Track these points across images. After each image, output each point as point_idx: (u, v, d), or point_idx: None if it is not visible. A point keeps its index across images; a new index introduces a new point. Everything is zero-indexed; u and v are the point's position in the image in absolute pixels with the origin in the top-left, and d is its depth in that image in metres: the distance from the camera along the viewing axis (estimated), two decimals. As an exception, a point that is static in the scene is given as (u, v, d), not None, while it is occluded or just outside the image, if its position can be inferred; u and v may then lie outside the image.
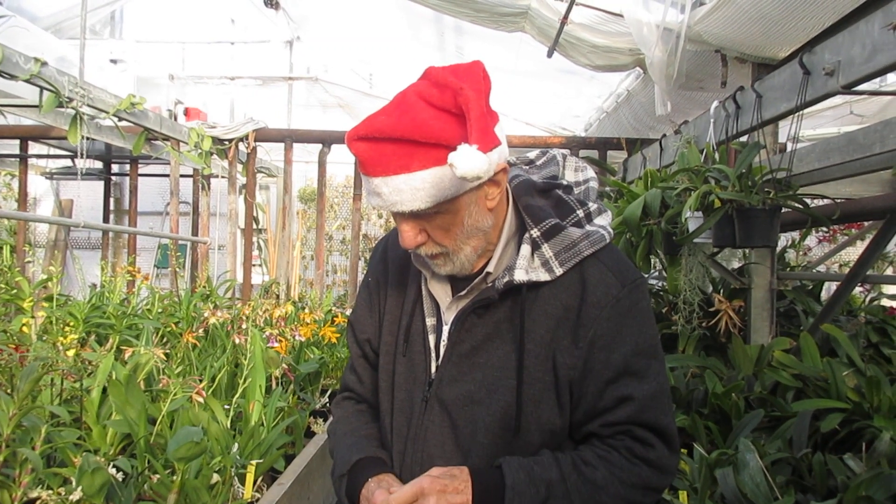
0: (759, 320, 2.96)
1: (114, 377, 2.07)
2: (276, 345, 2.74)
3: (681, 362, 2.83)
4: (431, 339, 1.24)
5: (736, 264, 3.56)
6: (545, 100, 6.47)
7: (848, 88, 2.05)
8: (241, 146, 5.70)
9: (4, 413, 1.50)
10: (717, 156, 2.78)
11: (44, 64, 3.35)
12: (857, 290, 4.33)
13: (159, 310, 3.73)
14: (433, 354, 1.23)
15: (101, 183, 7.38)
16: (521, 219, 1.21)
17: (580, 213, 1.22)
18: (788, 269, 4.38)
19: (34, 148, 6.34)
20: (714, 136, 2.93)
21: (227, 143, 5.61)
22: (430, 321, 1.24)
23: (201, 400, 2.09)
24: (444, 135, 1.03)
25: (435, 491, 1.07)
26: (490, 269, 1.19)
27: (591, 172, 1.34)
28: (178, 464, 1.64)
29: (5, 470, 1.57)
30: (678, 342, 3.00)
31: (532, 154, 1.34)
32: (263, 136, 5.68)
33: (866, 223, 4.62)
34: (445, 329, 1.22)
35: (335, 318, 4.20)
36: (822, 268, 5.42)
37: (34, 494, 1.60)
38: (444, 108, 1.04)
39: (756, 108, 2.57)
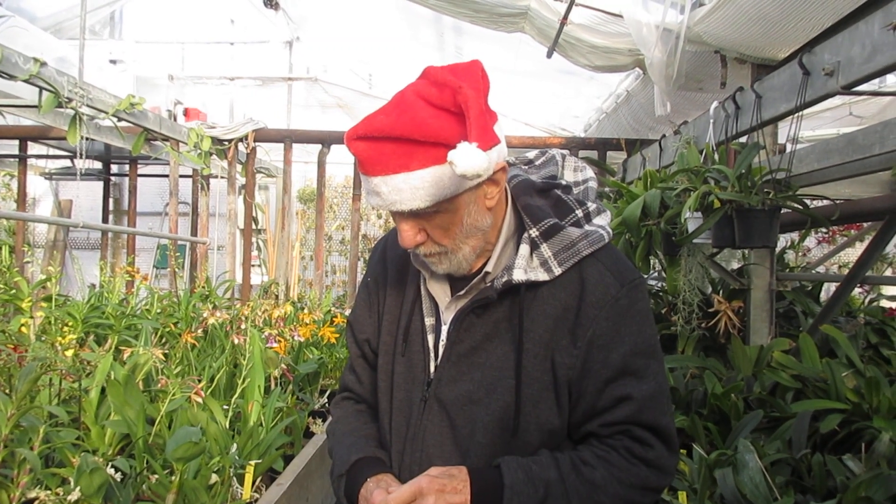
0: (758, 321, 2.96)
1: (112, 377, 2.06)
2: (274, 345, 2.74)
3: (680, 363, 2.83)
4: (430, 338, 1.24)
5: (735, 265, 3.56)
6: (544, 100, 6.47)
7: (847, 89, 2.05)
8: (241, 146, 5.70)
9: (3, 413, 1.50)
10: (716, 156, 2.78)
11: (43, 64, 3.35)
12: (857, 291, 4.33)
13: (158, 310, 3.73)
14: (432, 354, 1.23)
15: (101, 183, 7.37)
16: (520, 218, 1.21)
17: (579, 212, 1.22)
18: (788, 269, 4.38)
19: (33, 148, 6.33)
20: (713, 136, 2.93)
21: (226, 143, 5.61)
22: (428, 321, 1.24)
23: (200, 400, 2.09)
24: (443, 133, 1.02)
25: (433, 490, 1.07)
26: (489, 268, 1.19)
27: (590, 172, 1.34)
28: (177, 464, 1.64)
29: (3, 470, 1.57)
30: (677, 343, 3.00)
31: (531, 154, 1.34)
32: (263, 136, 5.68)
33: (865, 224, 4.62)
34: (444, 329, 1.22)
35: (334, 319, 4.19)
36: (821, 269, 5.42)
37: (32, 494, 1.59)
38: (443, 107, 1.04)
39: (755, 109, 2.57)
